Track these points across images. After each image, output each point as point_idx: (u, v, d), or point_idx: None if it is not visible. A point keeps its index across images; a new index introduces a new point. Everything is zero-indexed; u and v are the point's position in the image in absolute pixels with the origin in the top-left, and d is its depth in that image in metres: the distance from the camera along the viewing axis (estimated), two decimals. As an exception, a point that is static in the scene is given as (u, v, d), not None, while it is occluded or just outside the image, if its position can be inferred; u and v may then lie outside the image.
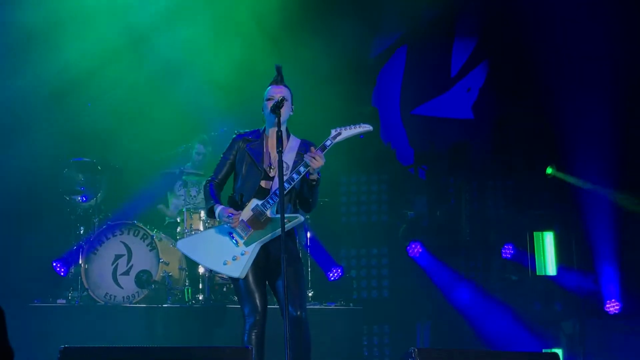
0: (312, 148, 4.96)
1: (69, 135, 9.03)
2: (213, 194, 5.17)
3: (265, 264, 5.06)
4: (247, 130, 5.30)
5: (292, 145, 5.14)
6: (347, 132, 4.99)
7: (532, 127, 9.76)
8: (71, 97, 8.97)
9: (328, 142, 4.97)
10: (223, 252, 5.01)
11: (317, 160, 4.86)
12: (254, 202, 5.03)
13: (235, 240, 5.02)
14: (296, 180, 4.96)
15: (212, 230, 5.18)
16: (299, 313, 4.89)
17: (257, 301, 4.98)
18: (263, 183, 5.08)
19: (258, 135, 5.23)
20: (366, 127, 5.03)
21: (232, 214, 4.98)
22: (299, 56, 8.73)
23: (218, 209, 5.05)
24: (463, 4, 10.56)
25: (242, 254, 4.98)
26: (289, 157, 5.08)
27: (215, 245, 5.05)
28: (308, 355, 4.97)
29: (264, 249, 5.04)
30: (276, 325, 5.12)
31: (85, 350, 4.41)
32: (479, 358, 4.79)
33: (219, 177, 5.24)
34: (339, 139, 4.98)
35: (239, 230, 5.01)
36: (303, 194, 5.10)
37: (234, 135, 5.30)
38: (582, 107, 9.03)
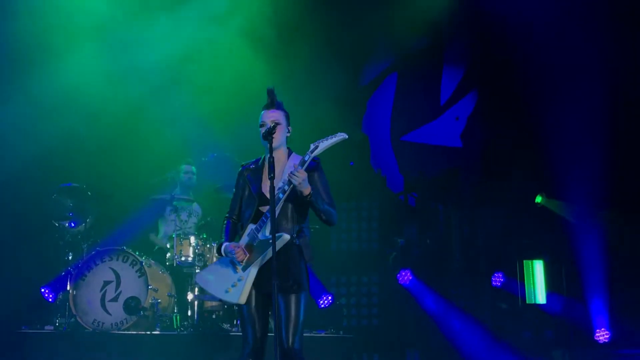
0: (295, 165, 4.98)
1: (58, 160, 9.00)
2: (227, 231, 5.21)
3: (264, 288, 5.02)
4: (250, 160, 5.32)
5: (290, 166, 5.12)
6: (325, 144, 5.02)
7: (521, 155, 9.80)
8: (60, 120, 8.95)
9: (307, 157, 5.01)
10: (226, 280, 5.02)
11: (297, 176, 4.87)
12: (250, 227, 5.04)
13: (235, 267, 5.02)
14: (282, 199, 4.95)
15: (220, 259, 5.19)
16: (289, 344, 4.84)
17: (256, 328, 4.96)
18: (261, 208, 5.08)
19: (259, 163, 5.25)
20: (341, 136, 5.05)
21: (234, 248, 5.00)
22: (291, 82, 8.75)
23: (224, 245, 5.08)
24: (452, 34, 10.66)
25: (239, 280, 4.98)
26: None
27: (220, 273, 5.08)
28: None
29: (263, 273, 4.98)
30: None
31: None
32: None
33: (235, 214, 5.26)
34: (317, 151, 5.01)
35: None
36: (314, 212, 5.10)
37: (240, 168, 5.33)
38: (571, 134, 9.08)
